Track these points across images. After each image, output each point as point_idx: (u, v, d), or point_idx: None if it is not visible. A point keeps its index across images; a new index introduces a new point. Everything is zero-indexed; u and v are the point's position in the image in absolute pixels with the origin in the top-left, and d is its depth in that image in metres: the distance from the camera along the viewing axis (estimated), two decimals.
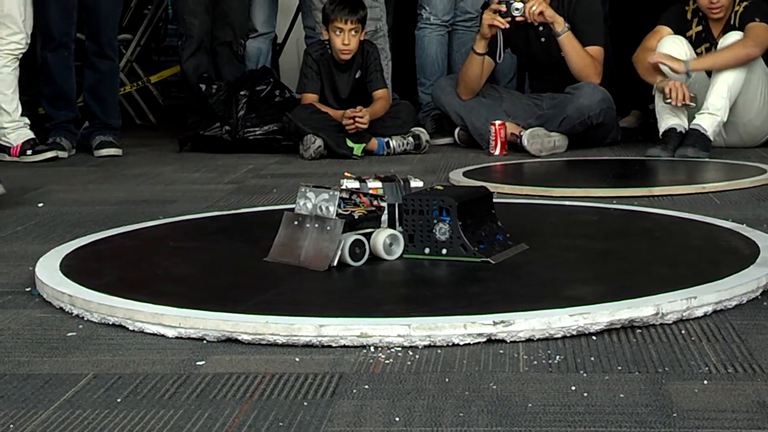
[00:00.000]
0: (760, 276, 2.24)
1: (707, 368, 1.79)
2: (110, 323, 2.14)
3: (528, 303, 2.07)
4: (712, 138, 4.38)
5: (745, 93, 4.48)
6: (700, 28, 4.62)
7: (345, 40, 4.75)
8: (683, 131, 4.43)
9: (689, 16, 4.64)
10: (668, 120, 4.47)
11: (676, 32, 4.62)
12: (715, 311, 2.11)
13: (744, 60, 4.43)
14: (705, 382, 1.72)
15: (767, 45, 4.51)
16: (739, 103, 4.48)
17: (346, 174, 2.74)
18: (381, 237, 2.48)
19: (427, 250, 2.47)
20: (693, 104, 4.41)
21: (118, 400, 1.71)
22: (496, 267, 2.42)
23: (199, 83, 5.03)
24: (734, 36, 4.48)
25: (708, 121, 4.38)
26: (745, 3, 4.55)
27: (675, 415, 1.58)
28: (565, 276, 2.35)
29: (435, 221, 2.46)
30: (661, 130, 4.49)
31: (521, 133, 4.65)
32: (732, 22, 4.55)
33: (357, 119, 4.60)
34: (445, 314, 2.01)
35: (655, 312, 2.04)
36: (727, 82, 4.40)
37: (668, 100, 4.41)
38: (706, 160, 4.26)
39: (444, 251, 2.46)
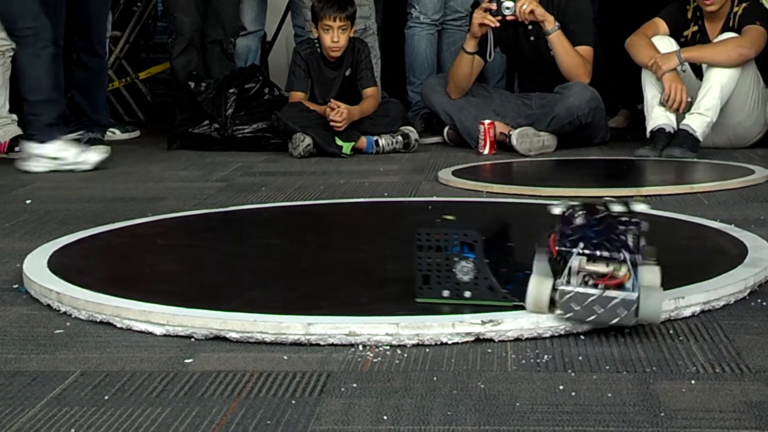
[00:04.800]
0: (747, 276, 2.24)
1: (695, 368, 1.79)
2: (98, 321, 2.13)
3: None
4: (701, 139, 4.38)
5: (737, 95, 4.48)
6: (696, 28, 4.61)
7: (334, 37, 4.75)
8: (672, 131, 4.43)
9: (689, 15, 4.64)
10: (657, 118, 4.47)
11: (673, 28, 4.61)
12: (702, 311, 2.11)
13: (736, 59, 4.42)
14: (693, 381, 1.72)
15: (762, 48, 4.51)
16: (730, 105, 4.48)
17: None
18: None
19: (446, 293, 2.10)
20: (687, 111, 4.41)
21: (106, 397, 1.71)
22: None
23: (188, 81, 5.02)
24: (730, 35, 4.47)
25: (698, 122, 4.38)
26: (744, 4, 4.53)
27: (662, 414, 1.58)
28: None
29: (456, 259, 2.09)
30: (649, 127, 4.49)
31: (510, 133, 4.65)
32: (731, 24, 4.54)
33: (332, 120, 4.60)
34: (433, 313, 2.01)
35: None
36: (720, 82, 4.40)
37: (663, 102, 4.41)
38: (694, 160, 4.27)
39: (467, 294, 2.09)
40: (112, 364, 1.88)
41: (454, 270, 2.08)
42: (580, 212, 1.98)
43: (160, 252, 2.72)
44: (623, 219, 1.95)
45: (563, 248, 1.94)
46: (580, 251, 1.92)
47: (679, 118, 4.45)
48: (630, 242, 1.92)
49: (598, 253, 1.92)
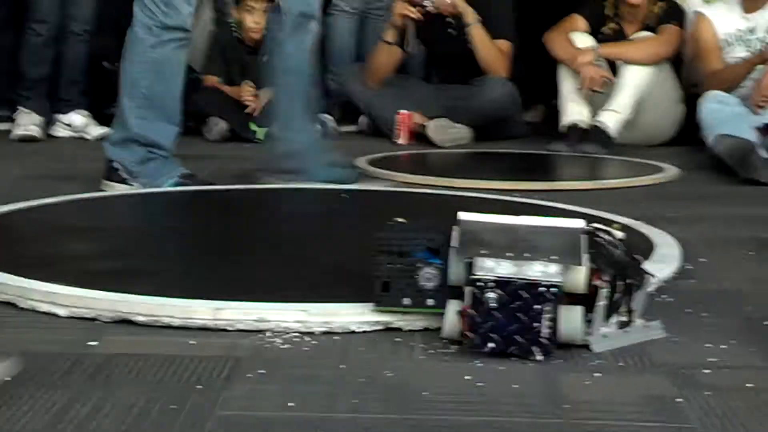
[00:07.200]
0: (654, 273, 2.27)
1: (599, 361, 1.81)
2: (0, 301, 2.09)
3: None
4: (614, 136, 4.44)
5: (651, 93, 4.55)
6: (614, 25, 4.67)
7: (256, 18, 4.72)
8: (585, 126, 4.48)
9: (607, 12, 4.69)
10: (571, 113, 4.52)
11: (591, 25, 4.67)
12: None
13: (653, 58, 4.49)
14: (596, 374, 1.74)
15: (677, 48, 4.59)
16: (644, 103, 4.55)
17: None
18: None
19: (406, 301, 1.94)
20: (603, 91, 4.46)
21: (6, 379, 1.67)
22: None
23: (103, 61, 4.94)
24: (647, 34, 4.55)
25: (612, 119, 4.45)
26: (662, 4, 4.61)
27: (566, 406, 1.60)
28: None
29: (420, 265, 1.93)
30: (563, 122, 4.54)
31: (426, 123, 4.67)
32: (648, 23, 4.61)
33: (246, 100, 4.58)
34: (343, 301, 2.00)
35: None
36: (635, 80, 4.47)
37: (582, 87, 4.46)
38: (607, 156, 4.32)
39: (430, 302, 1.93)
40: (13, 345, 1.84)
41: (416, 276, 1.92)
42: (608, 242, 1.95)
43: (68, 233, 2.67)
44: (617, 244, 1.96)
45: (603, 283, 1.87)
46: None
47: (595, 111, 4.50)
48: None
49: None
